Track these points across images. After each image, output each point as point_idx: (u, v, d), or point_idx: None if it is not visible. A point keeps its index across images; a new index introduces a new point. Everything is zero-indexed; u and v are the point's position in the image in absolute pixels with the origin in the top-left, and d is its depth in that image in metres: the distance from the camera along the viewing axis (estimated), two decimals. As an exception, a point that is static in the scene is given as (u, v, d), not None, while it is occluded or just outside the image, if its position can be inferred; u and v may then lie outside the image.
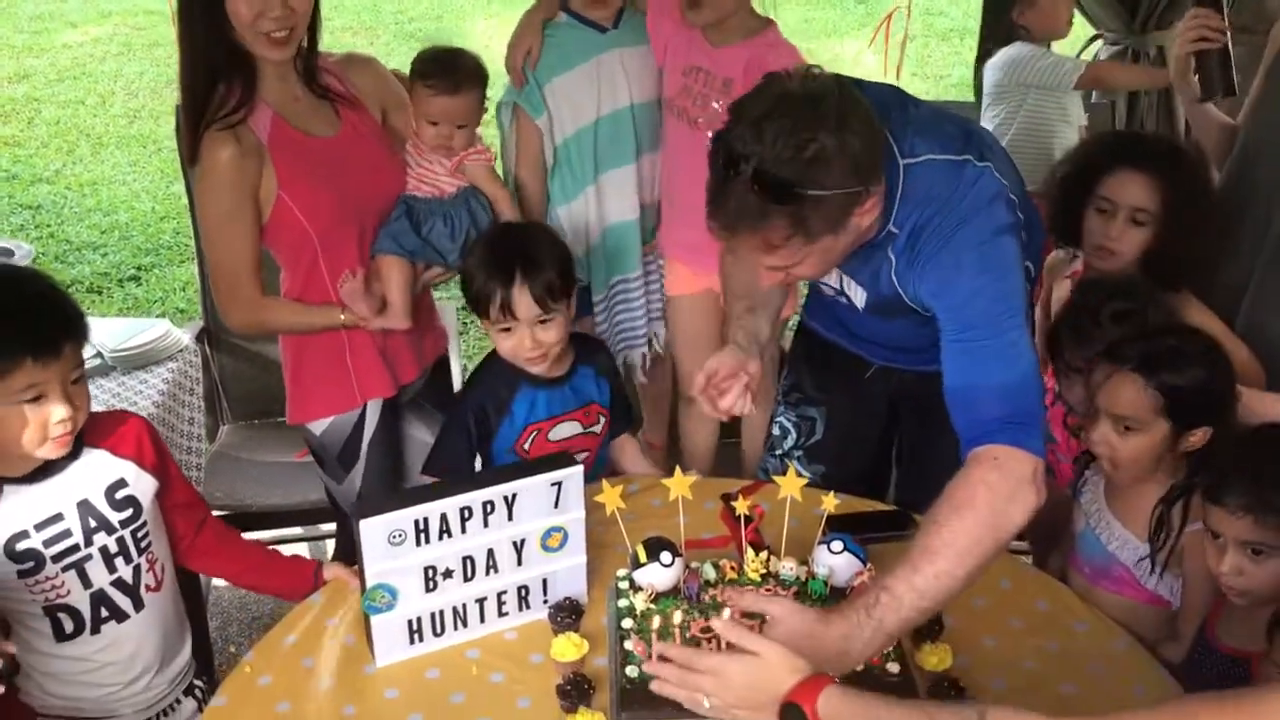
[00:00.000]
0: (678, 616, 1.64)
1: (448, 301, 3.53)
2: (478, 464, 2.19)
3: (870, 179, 1.63)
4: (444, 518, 1.70)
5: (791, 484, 1.80)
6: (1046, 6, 3.16)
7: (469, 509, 1.72)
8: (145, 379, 2.70)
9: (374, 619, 1.73)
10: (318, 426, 2.31)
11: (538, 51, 2.41)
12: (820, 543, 1.82)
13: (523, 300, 2.02)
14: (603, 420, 2.25)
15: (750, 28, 2.39)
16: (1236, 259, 2.25)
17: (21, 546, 1.71)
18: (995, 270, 1.70)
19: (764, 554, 1.84)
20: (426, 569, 1.73)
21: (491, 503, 1.73)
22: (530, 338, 2.05)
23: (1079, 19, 3.55)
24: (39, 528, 1.73)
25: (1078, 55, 3.35)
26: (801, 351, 2.34)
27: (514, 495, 1.74)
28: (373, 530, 1.66)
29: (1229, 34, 2.28)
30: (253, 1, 1.98)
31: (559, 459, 1.81)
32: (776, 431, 2.36)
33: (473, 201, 2.28)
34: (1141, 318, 2.01)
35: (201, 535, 1.99)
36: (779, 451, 2.35)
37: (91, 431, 1.78)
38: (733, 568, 1.85)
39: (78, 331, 1.70)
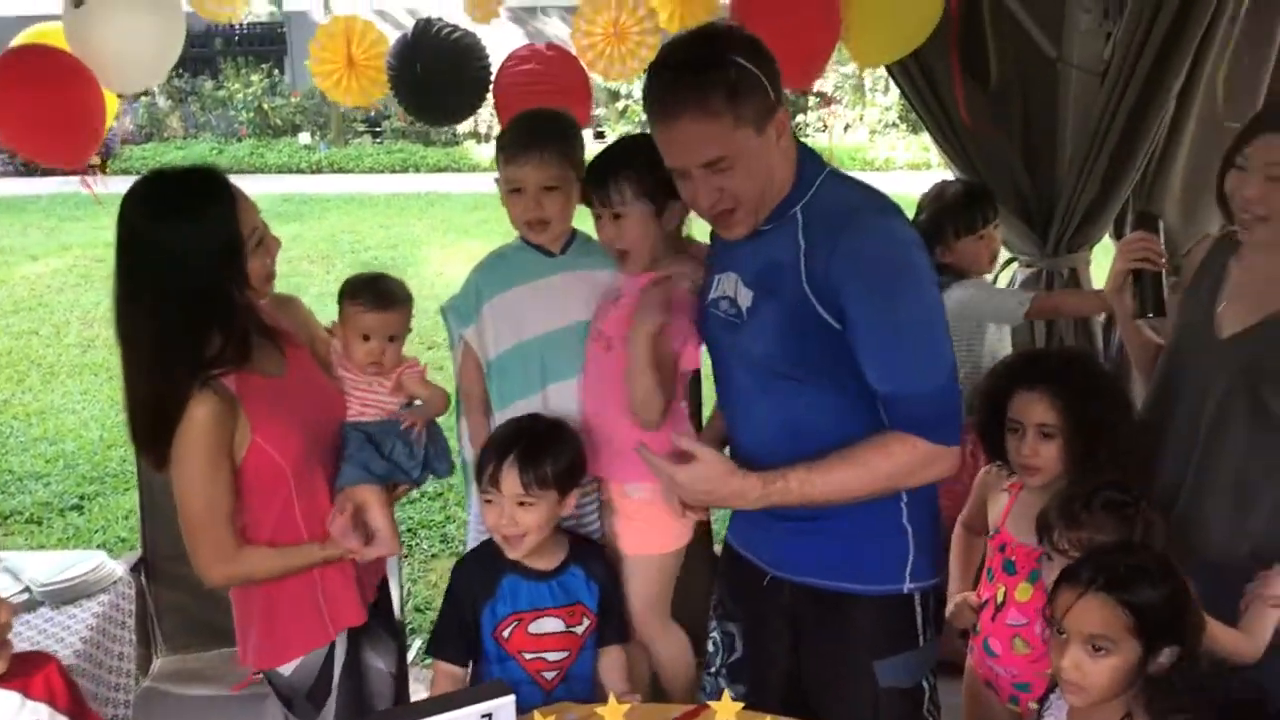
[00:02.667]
0: None
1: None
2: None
3: (779, 97, 1.89)
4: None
5: (726, 709, 1.78)
6: (965, 249, 3.20)
7: (398, 743, 1.69)
8: (74, 614, 2.66)
9: None
10: (287, 667, 2.26)
11: None
12: (756, 770, 1.79)
13: (509, 476, 2.18)
14: (587, 622, 2.29)
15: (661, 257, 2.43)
16: (1170, 461, 2.34)
17: None
18: (915, 280, 1.92)
19: (700, 783, 1.80)
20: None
21: (422, 735, 1.70)
22: (508, 515, 2.18)
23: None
24: None
25: (994, 278, 3.51)
26: (722, 565, 2.36)
27: (444, 727, 1.71)
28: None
29: (1165, 258, 2.42)
30: (265, 256, 2.10)
31: (491, 688, 1.79)
32: (710, 647, 2.35)
33: None
34: (1134, 510, 2.06)
35: None
36: (712, 669, 2.33)
37: (6, 671, 1.75)
38: (669, 799, 1.81)
39: None
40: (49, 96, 2.86)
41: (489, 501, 2.21)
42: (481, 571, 2.28)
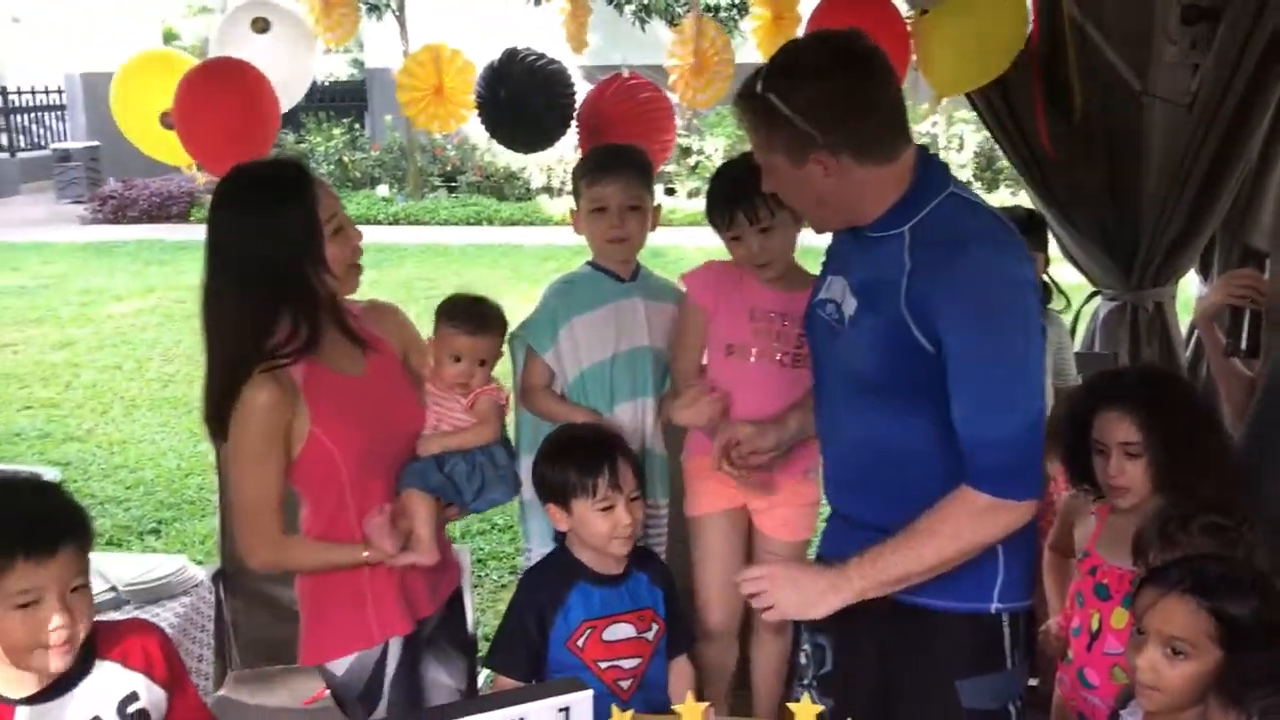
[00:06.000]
0: None
1: (462, 544, 3.53)
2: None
3: (837, 140, 1.83)
4: (451, 741, 1.66)
5: (806, 712, 1.75)
6: None
7: (477, 733, 1.68)
8: (157, 613, 2.69)
9: None
10: (339, 666, 2.26)
11: None
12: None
13: (626, 474, 2.23)
14: (656, 628, 2.29)
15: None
16: (1269, 495, 2.28)
17: None
18: (1018, 323, 1.86)
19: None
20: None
21: (499, 726, 1.69)
22: (629, 513, 2.21)
23: (1079, 277, 3.73)
24: None
25: (1077, 310, 3.47)
26: None
27: None
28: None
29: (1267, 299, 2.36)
30: (345, 244, 2.18)
31: (567, 684, 1.78)
32: (803, 659, 2.30)
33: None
34: (1236, 534, 1.99)
35: None
36: (804, 681, 2.28)
37: (103, 642, 1.75)
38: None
39: (77, 535, 1.67)
40: (239, 108, 3.04)
41: (607, 509, 2.20)
42: (551, 581, 2.27)
